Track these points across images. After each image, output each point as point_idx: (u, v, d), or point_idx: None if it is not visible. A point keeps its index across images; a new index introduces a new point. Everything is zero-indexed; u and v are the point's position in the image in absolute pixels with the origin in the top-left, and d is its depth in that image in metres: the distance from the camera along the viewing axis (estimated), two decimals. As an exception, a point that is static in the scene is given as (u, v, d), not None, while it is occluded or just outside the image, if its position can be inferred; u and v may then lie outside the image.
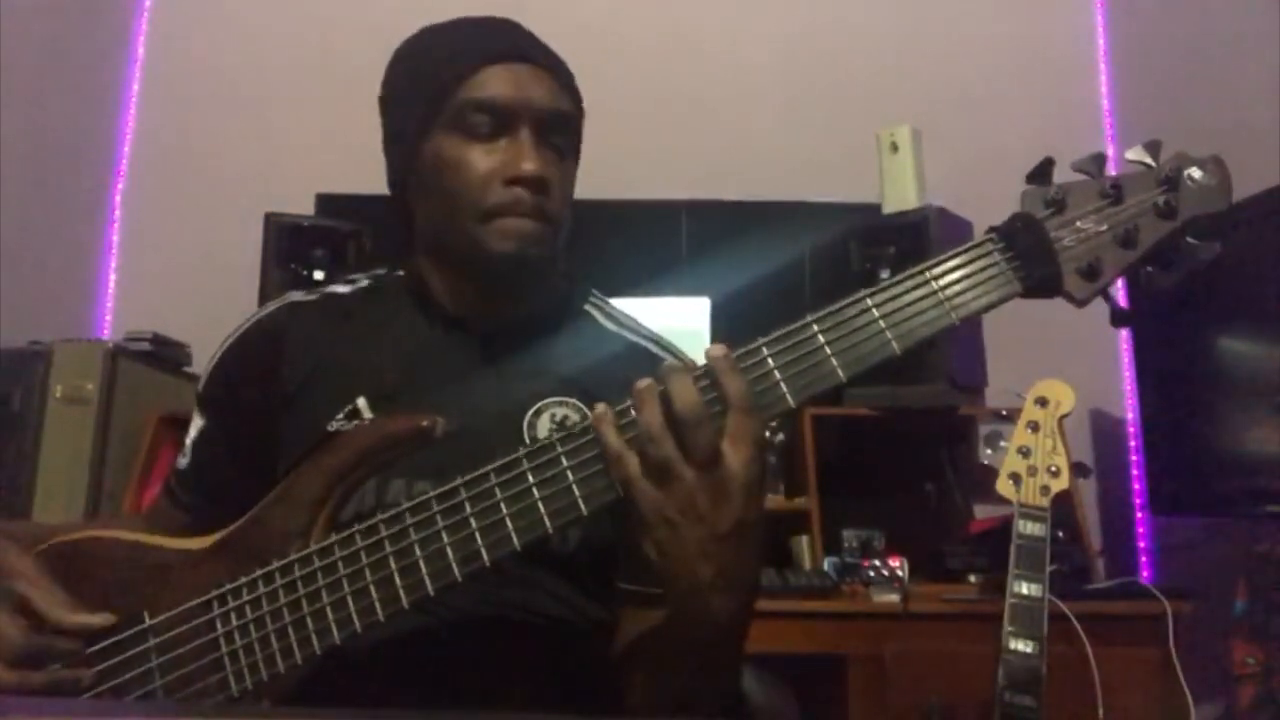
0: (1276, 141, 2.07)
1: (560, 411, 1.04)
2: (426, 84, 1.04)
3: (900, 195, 2.53)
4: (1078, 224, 0.80)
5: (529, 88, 1.02)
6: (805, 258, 2.72)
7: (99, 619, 0.86)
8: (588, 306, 1.16)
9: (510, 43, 1.06)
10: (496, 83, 1.02)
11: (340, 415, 1.01)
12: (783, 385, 0.79)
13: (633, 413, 0.78)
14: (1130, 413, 2.75)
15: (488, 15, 1.10)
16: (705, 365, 0.79)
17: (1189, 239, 0.80)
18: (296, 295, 1.15)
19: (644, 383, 0.78)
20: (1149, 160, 0.81)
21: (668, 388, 0.76)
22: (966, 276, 0.80)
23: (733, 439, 0.76)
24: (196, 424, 1.11)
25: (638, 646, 0.97)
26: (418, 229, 1.10)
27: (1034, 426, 1.67)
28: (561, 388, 1.05)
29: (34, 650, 0.84)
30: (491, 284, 1.07)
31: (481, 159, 1.01)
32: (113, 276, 2.92)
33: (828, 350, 0.79)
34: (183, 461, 1.12)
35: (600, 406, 0.79)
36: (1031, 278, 0.79)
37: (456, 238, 1.03)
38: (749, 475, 0.76)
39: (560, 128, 1.05)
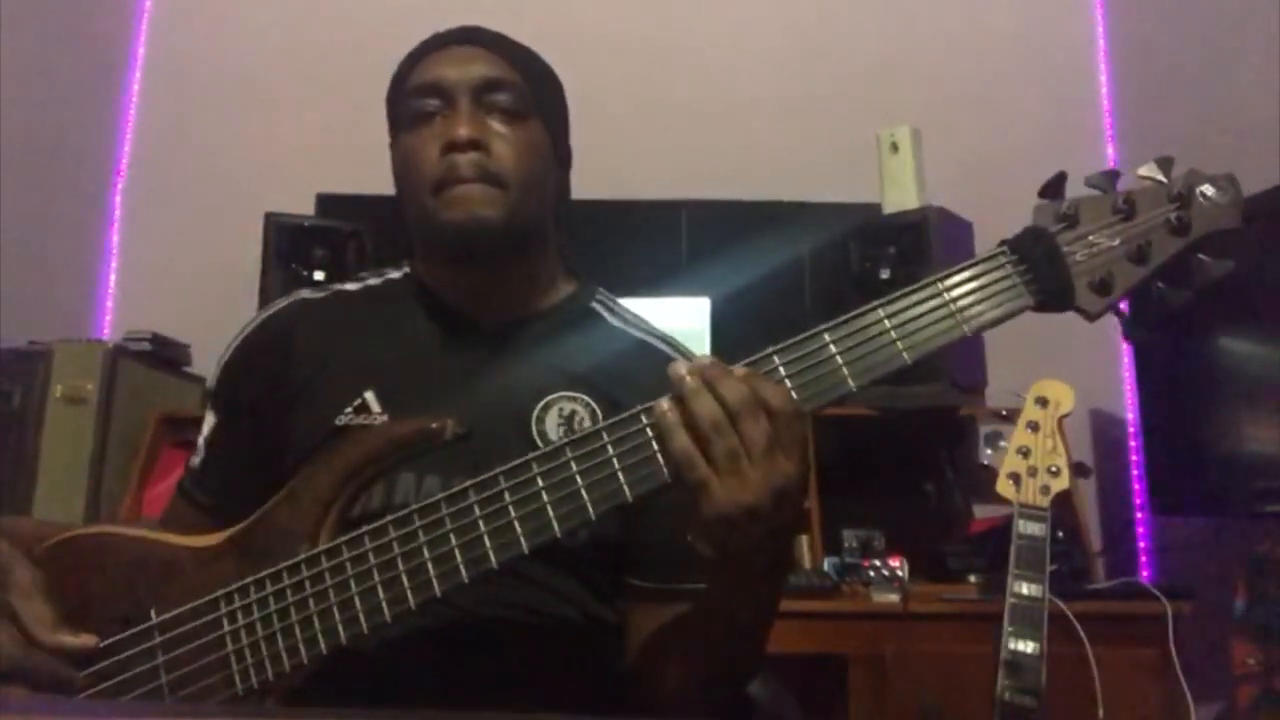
0: (1276, 141, 2.07)
1: (568, 407, 1.04)
2: (389, 94, 1.11)
3: (900, 195, 2.53)
4: (1090, 238, 0.80)
5: (460, 64, 1.06)
6: (805, 258, 2.72)
7: (79, 641, 0.86)
8: (594, 304, 1.16)
9: (446, 34, 1.10)
10: (430, 67, 1.07)
11: (349, 409, 1.02)
12: (793, 395, 0.79)
13: (643, 418, 0.79)
14: (1130, 413, 2.76)
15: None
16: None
17: (1201, 256, 0.80)
18: (306, 293, 1.16)
19: (686, 373, 0.77)
20: (1161, 176, 0.81)
21: (713, 383, 0.76)
22: (979, 289, 0.80)
23: (786, 442, 0.76)
24: (209, 421, 1.12)
25: (670, 637, 0.98)
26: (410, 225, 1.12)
27: (1034, 426, 1.66)
28: (569, 383, 1.05)
29: (18, 665, 0.84)
30: (461, 260, 1.07)
31: (426, 140, 1.04)
32: (113, 276, 2.92)
33: (839, 360, 0.79)
34: (195, 460, 1.12)
35: (664, 403, 0.78)
36: (1044, 291, 0.80)
37: (420, 220, 1.06)
38: (801, 475, 0.78)
39: (499, 91, 1.06)
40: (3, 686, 0.84)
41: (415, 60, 1.09)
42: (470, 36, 1.09)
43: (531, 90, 1.08)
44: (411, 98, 1.06)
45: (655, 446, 0.79)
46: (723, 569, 0.83)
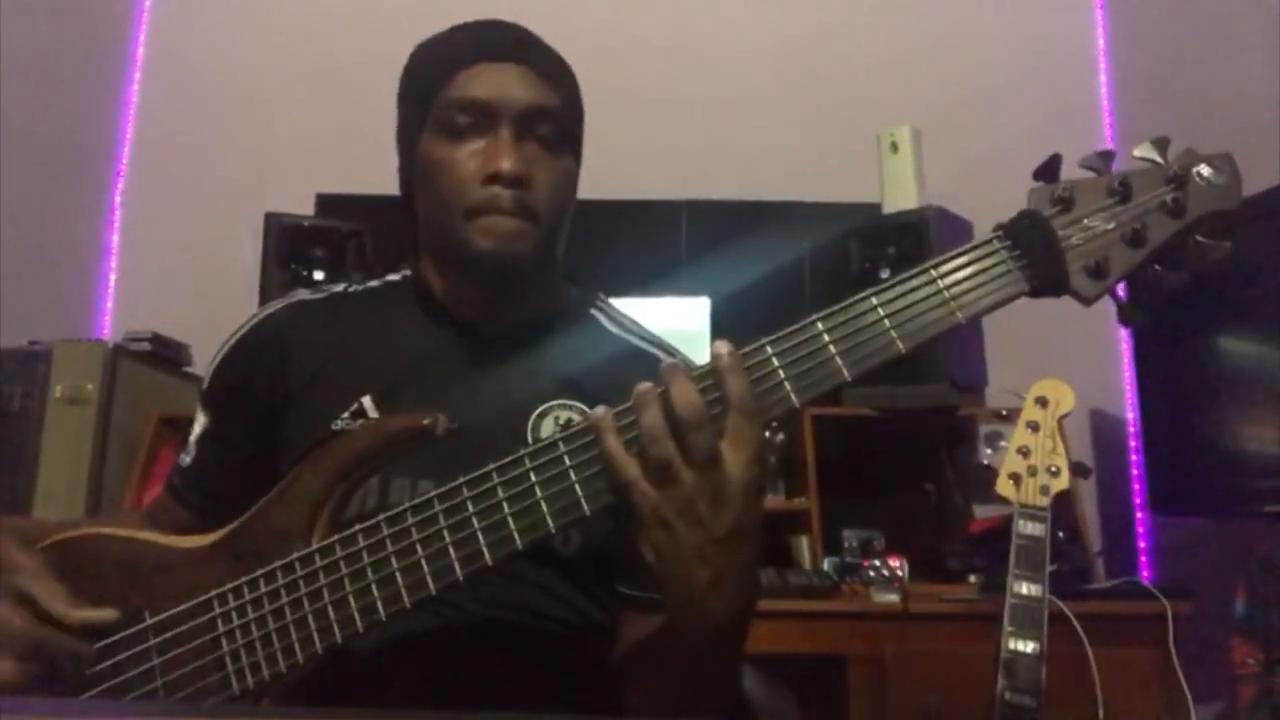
0: (1276, 141, 2.07)
1: (564, 414, 1.04)
2: (417, 88, 1.07)
3: (900, 195, 2.53)
4: (1085, 222, 0.79)
5: (508, 85, 1.03)
6: (805, 258, 2.72)
7: (100, 614, 0.86)
8: (593, 310, 1.16)
9: (495, 43, 1.06)
10: (476, 82, 1.03)
11: (345, 414, 1.02)
12: (786, 384, 0.78)
13: (633, 415, 0.78)
14: (1130, 413, 2.75)
15: (489, 19, 1.11)
16: (708, 365, 0.78)
17: (1198, 238, 0.79)
18: (303, 294, 1.15)
19: (644, 386, 0.77)
20: (1157, 157, 0.80)
21: (669, 388, 0.76)
22: (973, 275, 0.78)
23: (732, 441, 0.75)
24: (200, 421, 1.11)
25: (638, 650, 0.97)
26: (420, 230, 1.11)
27: (1034, 426, 1.66)
28: (566, 390, 1.05)
29: (39, 643, 0.84)
30: (483, 283, 1.07)
31: (463, 158, 1.02)
32: (113, 276, 2.92)
33: (832, 349, 0.78)
34: (185, 459, 1.12)
35: (600, 410, 0.78)
36: (1039, 276, 0.78)
37: (446, 237, 1.04)
38: (748, 478, 0.76)
39: (544, 122, 1.04)
40: (21, 665, 0.84)
41: (457, 65, 1.05)
42: (520, 52, 1.06)
43: (569, 118, 1.07)
44: (451, 108, 1.03)
45: None
46: (664, 576, 0.79)
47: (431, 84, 1.05)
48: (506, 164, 1.00)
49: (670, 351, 1.13)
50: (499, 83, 1.03)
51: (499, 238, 1.01)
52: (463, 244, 1.02)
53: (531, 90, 1.03)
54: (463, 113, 1.02)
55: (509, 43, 1.07)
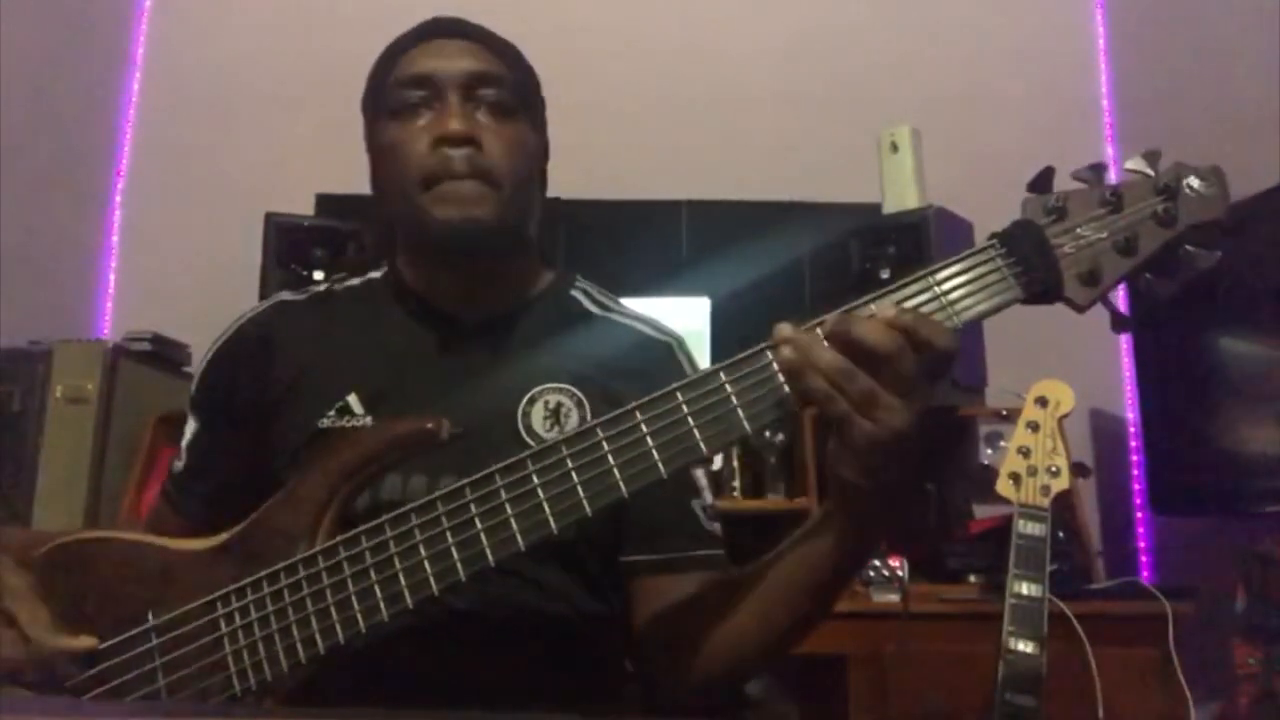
0: (1276, 141, 2.07)
1: (554, 399, 1.04)
2: (371, 87, 1.10)
3: (900, 195, 2.52)
4: (1078, 231, 0.81)
5: (449, 56, 1.05)
6: (805, 258, 2.72)
7: (78, 643, 0.85)
8: (574, 292, 1.16)
9: (433, 25, 1.09)
10: (419, 59, 1.05)
11: (331, 413, 1.02)
12: (785, 388, 0.79)
13: (638, 414, 0.79)
14: (1130, 413, 2.76)
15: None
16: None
17: (1188, 247, 0.81)
18: (285, 295, 1.16)
19: (787, 329, 0.78)
20: (1148, 169, 0.83)
21: (852, 330, 0.76)
22: (968, 282, 0.81)
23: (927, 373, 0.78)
24: (190, 426, 1.12)
25: (723, 599, 0.96)
26: (392, 225, 1.11)
27: (1034, 426, 1.66)
28: (553, 376, 1.05)
29: (22, 666, 0.84)
30: (454, 264, 1.07)
31: (412, 134, 1.03)
32: (113, 276, 2.92)
33: None
34: (178, 464, 1.12)
35: (786, 347, 0.78)
36: (1033, 284, 0.80)
37: (406, 216, 1.04)
38: (927, 402, 0.80)
39: (489, 86, 1.04)
40: (2, 688, 0.84)
41: (400, 51, 1.07)
42: (458, 29, 1.08)
43: (518, 86, 1.07)
44: (397, 89, 1.04)
45: (650, 443, 0.79)
46: (869, 492, 0.83)
47: (381, 74, 1.08)
48: (453, 123, 1.00)
49: (658, 327, 1.13)
50: (439, 55, 1.05)
51: (458, 204, 1.00)
52: (423, 219, 1.01)
53: (472, 59, 1.05)
54: (407, 89, 1.04)
55: (447, 23, 1.09)
